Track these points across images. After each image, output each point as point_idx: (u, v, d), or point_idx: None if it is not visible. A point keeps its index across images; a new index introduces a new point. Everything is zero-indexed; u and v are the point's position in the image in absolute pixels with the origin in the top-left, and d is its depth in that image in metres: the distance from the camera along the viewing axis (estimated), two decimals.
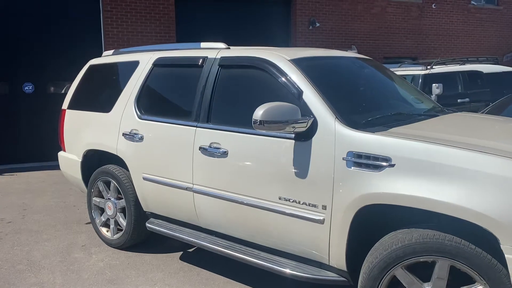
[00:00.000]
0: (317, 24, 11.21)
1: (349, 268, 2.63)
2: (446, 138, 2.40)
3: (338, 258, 2.63)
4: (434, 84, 8.22)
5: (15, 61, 8.75)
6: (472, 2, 13.63)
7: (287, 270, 2.81)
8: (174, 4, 9.84)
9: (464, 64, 9.17)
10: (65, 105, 4.64)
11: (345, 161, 2.53)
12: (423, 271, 2.31)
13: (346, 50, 3.70)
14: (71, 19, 9.08)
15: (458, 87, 8.85)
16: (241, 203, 3.01)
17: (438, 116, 3.09)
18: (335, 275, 2.71)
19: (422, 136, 2.41)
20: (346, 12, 11.71)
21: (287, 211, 2.78)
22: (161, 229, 3.61)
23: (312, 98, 2.75)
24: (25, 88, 8.87)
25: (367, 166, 2.45)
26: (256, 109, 2.61)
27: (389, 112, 2.94)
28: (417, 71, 8.80)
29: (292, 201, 2.75)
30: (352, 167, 2.50)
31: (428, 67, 8.76)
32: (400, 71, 9.17)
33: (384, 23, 12.25)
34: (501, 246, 2.03)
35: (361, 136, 2.51)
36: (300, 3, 11.10)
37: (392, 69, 9.25)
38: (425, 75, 8.60)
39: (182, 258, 3.90)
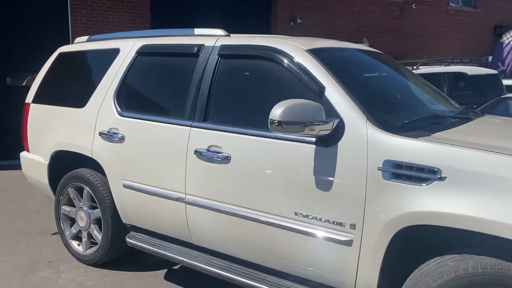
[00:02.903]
0: (298, 21, 10.83)
1: None
2: (501, 146, 2.01)
3: (368, 286, 2.20)
4: None
5: None
6: (451, 4, 13.64)
7: None
8: None
9: (448, 65, 9.02)
10: (29, 98, 4.00)
11: (381, 171, 2.10)
12: None
13: (357, 43, 3.27)
14: (33, 4, 8.27)
15: (443, 89, 8.68)
16: (246, 218, 2.53)
17: (473, 119, 2.71)
18: None
19: (475, 144, 2.02)
20: (327, 9, 11.39)
21: (305, 229, 2.33)
22: (143, 245, 3.09)
23: (336, 95, 2.31)
24: None
25: (409, 178, 2.03)
26: (274, 107, 2.15)
27: (423, 114, 2.54)
28: None
29: (312, 218, 2.31)
30: (391, 179, 2.08)
31: (414, 67, 8.54)
32: None
33: (366, 21, 12.03)
34: None
35: (401, 142, 2.09)
36: None
37: None
38: None
39: (167, 277, 3.38)
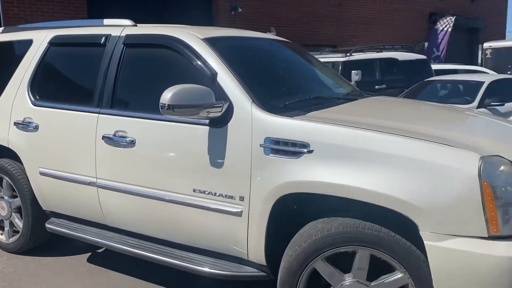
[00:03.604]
0: (239, 10, 10.99)
1: (269, 262, 2.46)
2: (365, 122, 2.30)
3: (257, 252, 2.45)
4: (353, 71, 8.39)
5: None
6: None
7: (204, 269, 2.58)
8: None
9: (381, 52, 9.49)
10: None
11: (262, 148, 2.34)
12: (345, 262, 2.20)
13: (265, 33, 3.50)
14: None
15: (375, 74, 9.15)
16: (152, 197, 2.71)
17: (357, 100, 3.01)
18: (255, 270, 2.53)
19: (340, 120, 2.29)
20: None
21: (203, 204, 2.54)
22: (62, 229, 3.20)
23: (227, 80, 2.52)
24: None
25: (285, 153, 2.28)
26: (164, 92, 2.33)
27: (308, 96, 2.80)
28: (337, 58, 8.95)
29: (208, 193, 2.52)
30: (270, 155, 2.32)
31: (348, 54, 8.93)
32: (320, 58, 9.28)
33: (306, 9, 12.35)
34: (419, 232, 1.97)
35: (278, 121, 2.34)
36: None
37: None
38: (344, 62, 8.76)
39: (90, 260, 3.52)
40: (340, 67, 8.73)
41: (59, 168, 3.11)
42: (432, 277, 1.97)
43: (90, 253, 3.63)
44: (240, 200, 2.42)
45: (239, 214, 2.44)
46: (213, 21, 10.88)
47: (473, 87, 7.01)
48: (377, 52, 9.45)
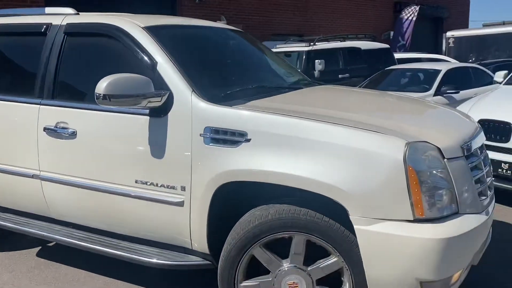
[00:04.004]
0: None
1: (212, 250, 2.48)
2: (300, 110, 2.33)
3: (200, 241, 2.47)
4: (316, 61, 8.47)
5: None
6: None
7: (149, 259, 2.57)
8: None
9: (344, 41, 9.59)
10: None
11: (202, 137, 2.34)
12: (283, 248, 2.25)
13: (216, 21, 3.47)
14: None
15: (339, 63, 9.25)
16: (95, 189, 2.68)
17: (302, 88, 3.04)
18: (199, 259, 2.55)
19: (277, 109, 2.31)
20: None
21: (145, 196, 2.53)
22: (6, 223, 3.13)
23: (167, 69, 2.50)
24: None
25: (224, 142, 2.29)
26: (99, 82, 2.29)
27: (251, 85, 2.81)
28: (301, 47, 8.99)
29: (150, 184, 2.51)
30: (210, 144, 2.33)
31: (311, 43, 8.99)
32: (285, 47, 9.31)
33: None
34: (350, 217, 2.02)
35: (218, 110, 2.34)
36: None
37: (278, 46, 9.36)
38: (308, 51, 8.81)
39: (39, 254, 3.46)
40: (304, 57, 8.79)
41: (1, 161, 3.03)
42: (362, 260, 2.03)
43: (40, 247, 3.57)
44: (181, 190, 2.43)
45: (181, 204, 2.44)
46: (176, 11, 10.73)
47: (431, 75, 7.19)
48: (341, 41, 9.54)
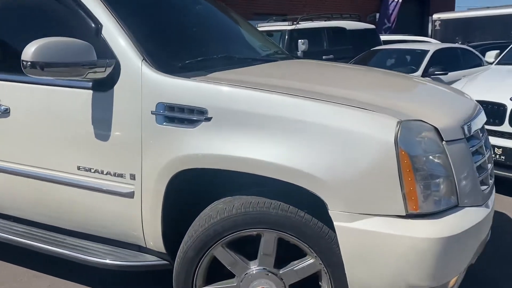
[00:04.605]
0: None
1: (169, 249, 2.11)
2: (273, 84, 1.95)
3: (154, 239, 2.09)
4: (300, 40, 8.07)
5: None
6: None
7: (95, 259, 2.19)
8: None
9: (328, 20, 9.19)
10: None
11: (154, 115, 1.95)
12: (250, 248, 1.89)
13: None
14: None
15: (323, 44, 8.87)
16: (33, 177, 2.28)
17: (277, 61, 2.65)
18: (155, 258, 2.18)
19: (245, 82, 1.93)
20: None
21: (90, 185, 2.14)
22: None
23: (114, 34, 2.08)
24: None
25: (181, 121, 1.91)
26: (26, 47, 1.88)
27: (216, 55, 2.41)
28: (284, 26, 8.57)
29: (94, 171, 2.12)
30: (164, 123, 1.94)
31: (294, 22, 8.57)
32: (267, 26, 8.88)
33: None
34: (329, 212, 1.66)
35: (173, 82, 1.94)
36: None
37: (260, 25, 8.92)
38: (291, 30, 8.41)
39: None
40: (286, 36, 8.38)
41: None
42: (343, 262, 1.69)
43: None
44: (131, 178, 2.04)
45: (130, 195, 2.06)
46: None
47: (418, 56, 6.87)
48: (325, 20, 9.14)
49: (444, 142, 1.70)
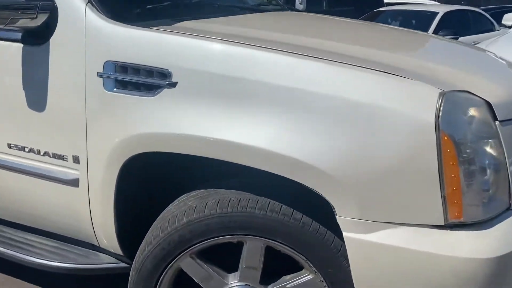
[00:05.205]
0: None
1: (127, 250, 1.64)
2: (262, 38, 1.44)
3: (107, 237, 1.63)
4: (297, 0, 7.42)
5: None
6: None
7: (35, 259, 1.73)
8: None
9: None
10: None
11: (101, 78, 1.44)
12: (231, 256, 1.43)
13: None
14: None
15: (322, 4, 8.24)
16: None
17: (270, 12, 2.12)
18: (112, 260, 1.73)
19: (224, 34, 1.41)
20: None
21: (24, 168, 1.65)
22: None
23: None
24: None
25: (136, 87, 1.40)
26: None
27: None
28: None
29: (29, 151, 1.62)
30: (114, 90, 1.43)
31: None
32: None
33: None
34: (336, 217, 1.20)
35: (127, 34, 1.43)
36: None
37: None
38: None
39: None
40: None
41: None
42: (354, 285, 1.24)
43: None
44: (74, 162, 1.55)
45: (75, 183, 1.57)
46: None
47: (426, 18, 6.30)
48: None
49: (497, 123, 1.22)
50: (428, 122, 1.12)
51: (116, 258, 1.72)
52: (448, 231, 1.15)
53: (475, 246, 1.13)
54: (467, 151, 1.14)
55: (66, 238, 1.82)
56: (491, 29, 6.52)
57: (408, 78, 1.18)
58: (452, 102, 1.14)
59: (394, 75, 1.19)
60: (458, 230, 1.15)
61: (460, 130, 1.14)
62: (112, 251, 1.68)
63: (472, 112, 1.19)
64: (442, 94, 1.13)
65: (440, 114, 1.11)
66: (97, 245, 1.72)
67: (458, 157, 1.12)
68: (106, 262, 1.73)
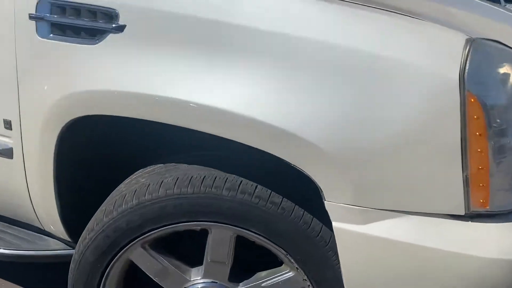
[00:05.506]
0: None
1: (75, 235, 1.37)
2: None
3: (51, 220, 1.35)
4: None
5: None
6: None
7: None
8: None
9: None
10: None
11: (34, 22, 1.14)
12: (193, 247, 1.17)
13: None
14: None
15: None
16: None
17: None
18: (61, 246, 1.46)
19: None
20: None
21: None
22: None
23: None
24: None
25: (76, 32, 1.10)
26: None
27: None
28: None
29: None
30: (50, 36, 1.13)
31: None
32: None
33: None
34: (324, 202, 0.92)
35: None
36: None
37: None
38: None
39: None
40: None
41: None
42: (345, 286, 0.97)
43: None
44: (6, 127, 1.27)
45: (8, 153, 1.29)
46: None
47: None
48: None
49: None
50: (450, 78, 0.83)
51: (66, 244, 1.45)
52: (470, 222, 0.88)
53: (506, 244, 0.86)
54: (500, 119, 0.86)
55: (15, 220, 1.56)
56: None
57: (429, 21, 0.89)
58: (483, 52, 0.85)
59: (405, 16, 0.90)
60: (483, 222, 0.88)
61: (492, 90, 0.86)
62: (61, 236, 1.41)
63: (505, 67, 0.90)
64: (469, 41, 0.84)
65: (467, 68, 0.83)
66: (42, 228, 1.45)
67: (487, 127, 0.84)
68: (53, 248, 1.46)
